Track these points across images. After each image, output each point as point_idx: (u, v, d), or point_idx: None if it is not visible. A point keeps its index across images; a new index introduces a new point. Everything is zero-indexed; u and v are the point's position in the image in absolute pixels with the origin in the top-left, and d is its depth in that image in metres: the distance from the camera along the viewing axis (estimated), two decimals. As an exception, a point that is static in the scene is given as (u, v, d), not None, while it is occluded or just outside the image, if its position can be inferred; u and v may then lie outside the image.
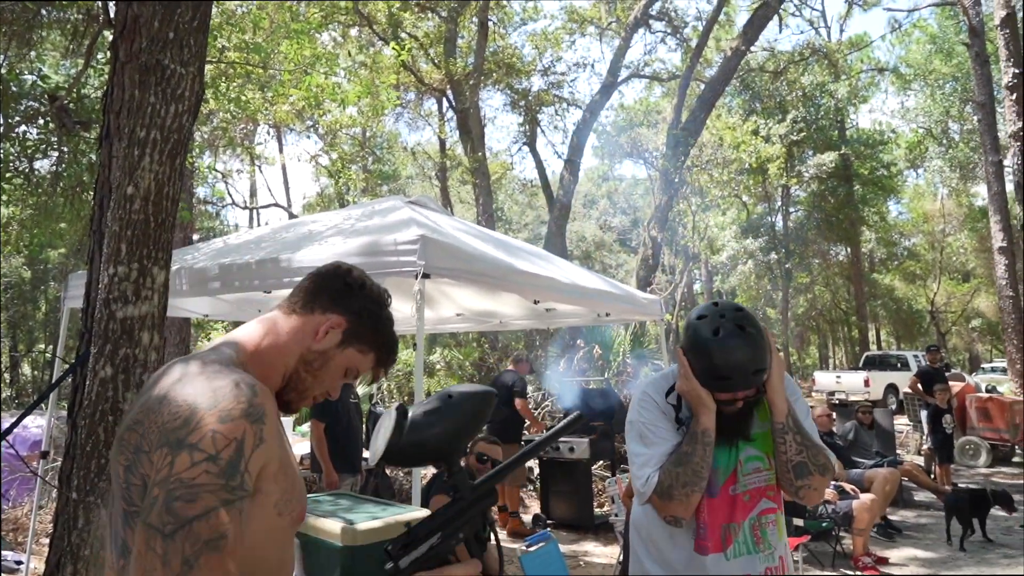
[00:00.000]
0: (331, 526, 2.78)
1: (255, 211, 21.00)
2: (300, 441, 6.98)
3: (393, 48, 8.65)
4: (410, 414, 1.18)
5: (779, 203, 28.55)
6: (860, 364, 21.38)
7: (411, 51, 12.48)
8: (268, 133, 17.34)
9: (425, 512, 3.17)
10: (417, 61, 14.76)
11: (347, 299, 1.21)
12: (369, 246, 3.52)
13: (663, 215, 12.22)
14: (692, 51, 13.65)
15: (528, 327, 6.94)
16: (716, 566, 1.80)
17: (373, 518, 2.94)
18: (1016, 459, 9.52)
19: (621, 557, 4.82)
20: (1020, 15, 13.79)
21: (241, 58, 5.44)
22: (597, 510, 6.82)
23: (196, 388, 0.99)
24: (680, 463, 1.75)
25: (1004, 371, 16.33)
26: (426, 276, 3.19)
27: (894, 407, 11.31)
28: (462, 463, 1.25)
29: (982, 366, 25.72)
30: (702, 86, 13.82)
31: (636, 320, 5.74)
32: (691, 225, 21.74)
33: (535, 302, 4.43)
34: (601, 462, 7.86)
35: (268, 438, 1.00)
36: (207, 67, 6.52)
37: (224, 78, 5.77)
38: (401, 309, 6.15)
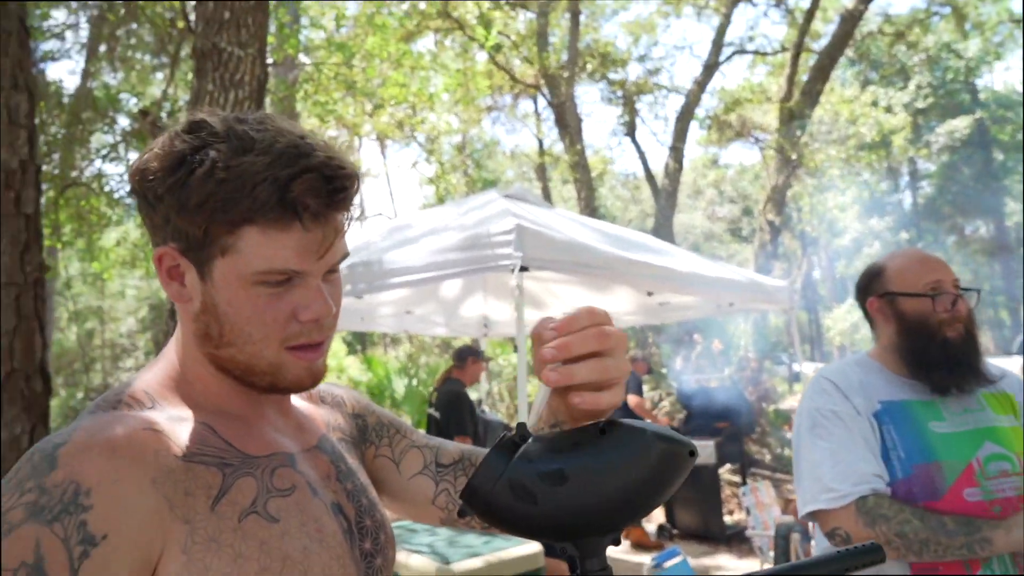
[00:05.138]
0: (423, 566, 2.48)
1: (360, 223, 21.62)
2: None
3: (481, 35, 8.39)
4: (526, 448, 0.60)
5: (906, 178, 26.38)
6: (1016, 349, 19.25)
7: (502, 47, 12.28)
8: (364, 143, 17.67)
9: (536, 549, 2.76)
10: (510, 61, 14.57)
11: (150, 209, 0.68)
12: (464, 241, 3.23)
13: (780, 197, 11.34)
14: (801, 20, 12.69)
15: (640, 323, 6.48)
16: None
17: (472, 555, 2.62)
18: None
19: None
20: None
21: (327, 56, 5.32)
22: (727, 518, 6.25)
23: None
24: (925, 531, 1.23)
25: None
26: (524, 269, 2.86)
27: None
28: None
29: None
30: (810, 61, 12.82)
31: (763, 309, 5.18)
32: (808, 208, 20.41)
33: (648, 294, 4.00)
34: (728, 465, 7.28)
35: (113, 537, 0.58)
36: (288, 70, 6.55)
37: (311, 82, 5.71)
38: (505, 310, 5.87)
